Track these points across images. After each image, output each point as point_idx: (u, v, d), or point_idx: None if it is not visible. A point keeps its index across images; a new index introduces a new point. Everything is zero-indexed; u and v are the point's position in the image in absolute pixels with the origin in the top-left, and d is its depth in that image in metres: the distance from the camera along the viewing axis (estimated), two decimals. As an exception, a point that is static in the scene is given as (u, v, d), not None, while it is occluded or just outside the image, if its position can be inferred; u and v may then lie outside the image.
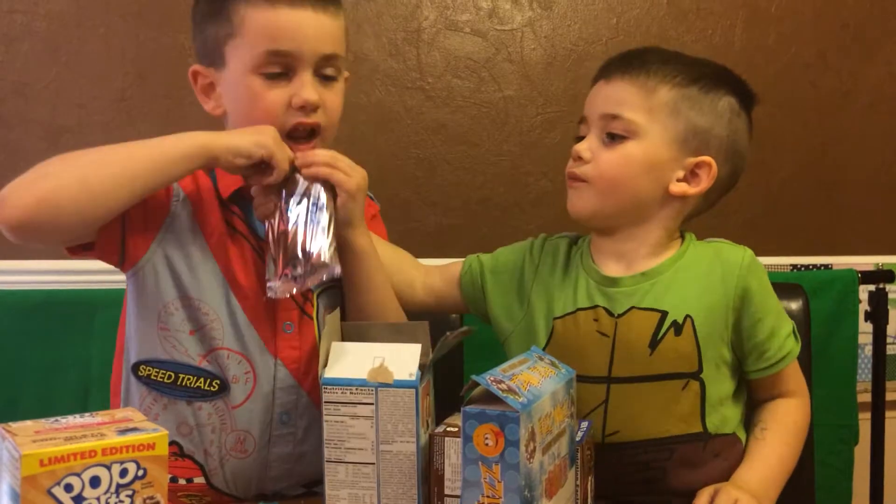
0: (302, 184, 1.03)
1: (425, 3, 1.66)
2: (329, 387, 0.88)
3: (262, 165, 1.00)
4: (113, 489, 0.70)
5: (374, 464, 0.87)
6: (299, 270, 1.00)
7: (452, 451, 0.85)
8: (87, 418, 0.74)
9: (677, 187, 1.06)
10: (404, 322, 1.00)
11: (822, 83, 1.80)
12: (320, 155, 1.04)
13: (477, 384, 0.73)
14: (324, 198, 1.03)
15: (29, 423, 0.73)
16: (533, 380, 0.75)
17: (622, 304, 1.05)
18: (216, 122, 1.11)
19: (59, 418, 0.74)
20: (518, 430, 0.68)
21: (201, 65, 1.09)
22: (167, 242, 1.04)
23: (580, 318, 1.06)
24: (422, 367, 0.88)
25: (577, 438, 0.88)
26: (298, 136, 1.06)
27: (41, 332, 1.46)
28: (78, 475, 0.68)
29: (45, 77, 1.57)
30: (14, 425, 0.72)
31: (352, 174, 1.05)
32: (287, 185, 1.03)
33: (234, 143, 0.99)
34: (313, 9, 1.03)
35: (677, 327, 1.02)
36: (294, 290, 1.01)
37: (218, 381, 1.03)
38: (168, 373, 1.03)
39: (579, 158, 1.09)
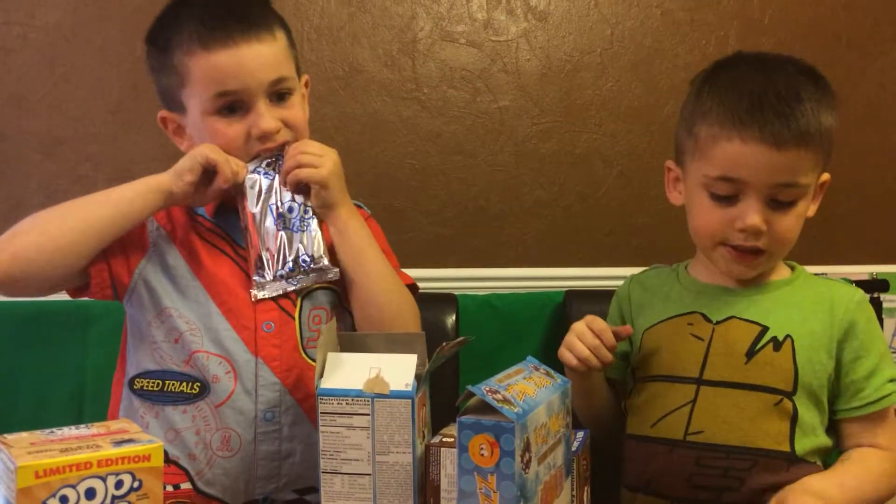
0: (265, 182, 1.09)
1: (421, 15, 1.67)
2: (325, 397, 0.88)
3: (211, 175, 1.06)
4: (108, 501, 0.70)
5: (370, 475, 0.87)
6: (287, 270, 1.07)
7: (448, 462, 0.85)
8: (82, 430, 0.74)
9: (811, 212, 1.08)
10: (401, 332, 1.00)
11: (815, 93, 1.80)
12: (287, 154, 1.09)
13: (472, 394, 0.73)
14: (300, 198, 1.09)
15: (24, 434, 0.73)
16: (528, 390, 0.76)
17: (722, 311, 1.06)
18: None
19: (54, 430, 0.74)
20: (513, 440, 0.68)
21: (167, 110, 1.15)
22: (149, 267, 1.11)
23: (674, 324, 1.08)
24: (418, 377, 0.88)
25: (574, 448, 0.88)
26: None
27: (36, 342, 1.45)
28: (73, 487, 0.68)
29: (41, 88, 1.57)
30: (9, 437, 0.72)
31: (320, 162, 1.08)
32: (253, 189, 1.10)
33: (175, 168, 1.06)
34: (247, 42, 1.07)
35: (777, 343, 1.02)
36: (284, 290, 1.08)
37: (199, 384, 1.07)
38: (157, 381, 1.08)
39: (758, 233, 1.02)
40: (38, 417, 1.40)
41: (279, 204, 1.09)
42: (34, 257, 1.01)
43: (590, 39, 1.72)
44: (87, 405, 1.41)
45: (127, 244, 1.09)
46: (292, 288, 1.08)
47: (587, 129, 1.72)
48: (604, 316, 1.14)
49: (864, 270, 1.78)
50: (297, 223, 1.09)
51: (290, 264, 1.07)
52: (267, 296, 1.08)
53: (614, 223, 1.72)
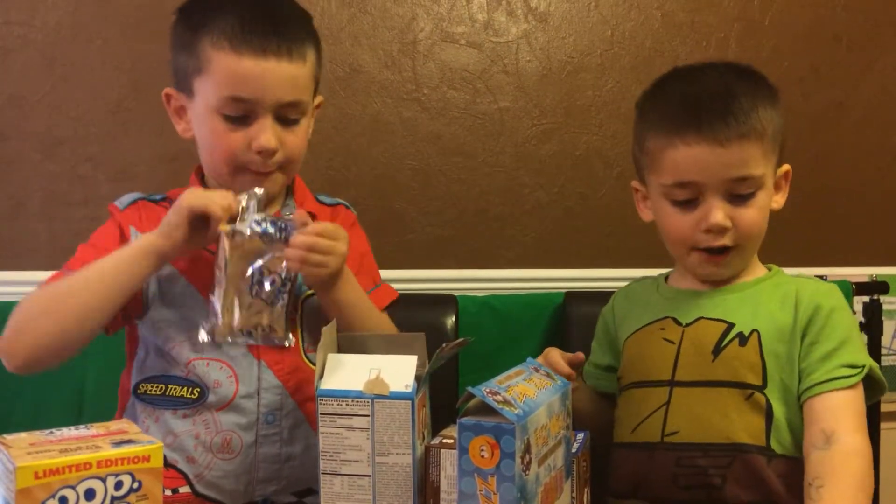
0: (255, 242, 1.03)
1: (421, 15, 1.67)
2: (325, 398, 0.88)
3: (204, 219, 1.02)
4: (108, 502, 0.70)
5: (369, 476, 0.87)
6: (244, 333, 1.04)
7: (448, 463, 0.85)
8: (81, 430, 0.74)
9: (776, 203, 1.10)
10: (400, 334, 1.00)
11: (815, 96, 1.81)
12: (294, 246, 1.02)
13: (473, 396, 0.73)
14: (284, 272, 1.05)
15: (24, 434, 0.73)
16: (528, 391, 0.75)
17: (691, 313, 1.07)
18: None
19: (53, 430, 0.74)
20: (514, 441, 0.68)
21: (174, 89, 1.13)
22: (151, 284, 1.10)
23: (648, 330, 1.10)
24: (418, 378, 0.88)
25: (574, 450, 0.88)
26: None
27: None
28: (73, 487, 0.68)
29: (41, 88, 1.56)
30: (8, 437, 0.72)
31: (328, 262, 1.03)
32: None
33: (163, 227, 1.02)
34: (277, 59, 1.05)
35: (742, 338, 1.03)
36: (231, 343, 1.05)
37: (198, 389, 1.07)
38: (160, 385, 1.08)
39: (722, 230, 1.04)
40: (36, 421, 1.40)
41: (262, 271, 1.03)
42: (50, 344, 1.02)
43: (590, 41, 1.72)
44: (86, 409, 1.40)
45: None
46: (240, 343, 1.06)
47: (587, 130, 1.72)
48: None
49: (864, 272, 1.78)
50: (272, 297, 1.04)
51: (250, 329, 1.04)
52: (209, 342, 1.05)
53: (614, 224, 1.72)
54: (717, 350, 1.03)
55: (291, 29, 1.08)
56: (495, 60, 1.69)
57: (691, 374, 1.03)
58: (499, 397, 0.70)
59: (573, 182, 1.72)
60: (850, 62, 1.81)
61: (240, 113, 1.06)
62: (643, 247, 1.71)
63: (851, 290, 1.62)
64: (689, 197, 1.05)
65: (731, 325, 1.04)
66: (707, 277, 1.10)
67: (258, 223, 1.02)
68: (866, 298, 1.60)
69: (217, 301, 1.03)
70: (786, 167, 1.11)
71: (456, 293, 1.53)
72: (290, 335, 1.07)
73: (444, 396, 1.05)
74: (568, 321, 1.48)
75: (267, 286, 1.03)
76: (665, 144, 1.05)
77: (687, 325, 1.07)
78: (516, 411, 0.70)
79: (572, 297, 1.51)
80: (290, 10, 1.12)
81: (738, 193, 1.04)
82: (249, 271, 1.03)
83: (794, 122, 1.80)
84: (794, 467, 0.99)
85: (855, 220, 1.83)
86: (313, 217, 1.18)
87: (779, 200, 1.11)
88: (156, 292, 1.10)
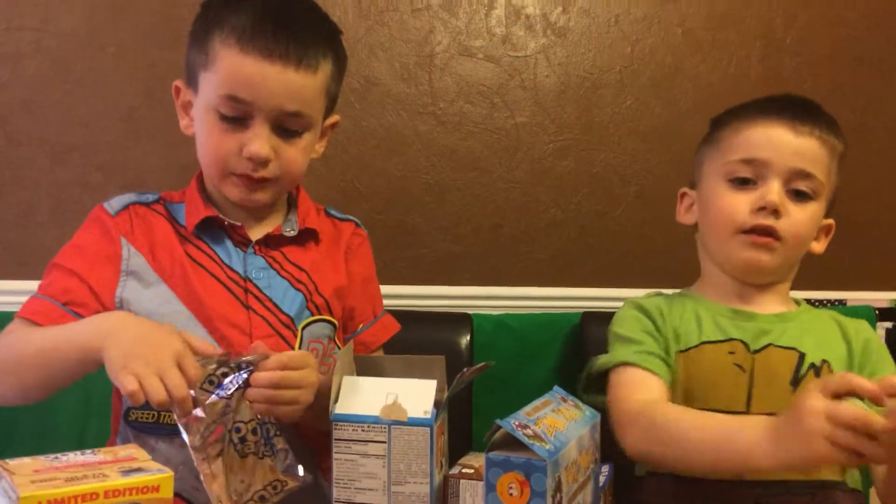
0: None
1: (438, 28, 1.64)
2: (340, 423, 0.85)
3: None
4: (115, 532, 0.66)
5: (384, 505, 0.84)
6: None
7: (468, 495, 0.81)
8: (88, 456, 0.71)
9: (816, 247, 1.12)
10: (419, 356, 0.97)
11: (837, 117, 1.77)
12: (257, 385, 0.88)
13: (500, 428, 0.70)
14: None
15: (27, 460, 0.69)
16: (558, 424, 0.72)
17: (759, 340, 1.05)
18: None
19: (58, 455, 0.70)
20: (545, 479, 0.65)
21: (185, 83, 1.10)
22: (127, 302, 1.05)
23: (714, 350, 1.05)
24: (437, 404, 0.84)
25: (601, 484, 0.85)
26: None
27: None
28: (78, 517, 0.65)
29: (54, 95, 1.54)
30: (11, 463, 0.68)
31: (300, 395, 0.90)
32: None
33: (110, 358, 0.86)
34: (283, 64, 1.00)
35: (816, 369, 1.01)
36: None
37: None
38: (152, 412, 1.02)
39: (776, 212, 1.05)
40: (41, 433, 1.37)
41: (239, 427, 0.87)
42: (16, 399, 1.01)
43: (609, 57, 1.69)
44: (92, 422, 1.37)
45: (97, 287, 1.03)
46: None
47: (605, 147, 1.69)
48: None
49: (884, 297, 1.74)
50: (263, 447, 0.89)
51: (262, 494, 0.87)
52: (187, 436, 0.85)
53: (631, 243, 1.69)
54: (796, 381, 1.00)
55: (306, 37, 1.03)
56: (513, 75, 1.67)
57: (768, 406, 0.99)
58: (529, 431, 0.67)
59: (590, 200, 1.69)
60: (873, 83, 1.78)
61: (236, 114, 1.02)
62: (661, 267, 1.69)
63: (875, 315, 1.59)
64: (751, 176, 1.06)
65: (802, 355, 1.02)
66: (746, 269, 1.08)
67: (208, 388, 0.85)
68: (889, 324, 1.57)
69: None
70: (831, 221, 1.13)
71: (469, 311, 1.50)
72: (300, 467, 0.89)
73: (456, 419, 1.01)
74: (585, 342, 1.44)
75: (253, 436, 0.88)
76: (745, 124, 1.08)
77: (756, 351, 1.04)
78: (547, 447, 0.66)
79: (590, 317, 1.48)
80: (312, 19, 1.08)
81: (797, 189, 1.05)
82: (224, 435, 0.86)
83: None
84: (862, 502, 1.00)
85: (876, 244, 1.79)
86: (314, 235, 1.14)
87: (818, 248, 1.13)
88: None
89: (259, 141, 1.01)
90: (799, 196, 1.06)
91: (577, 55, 1.68)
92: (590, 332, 1.44)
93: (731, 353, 1.04)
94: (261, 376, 0.87)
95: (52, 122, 1.55)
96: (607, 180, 1.69)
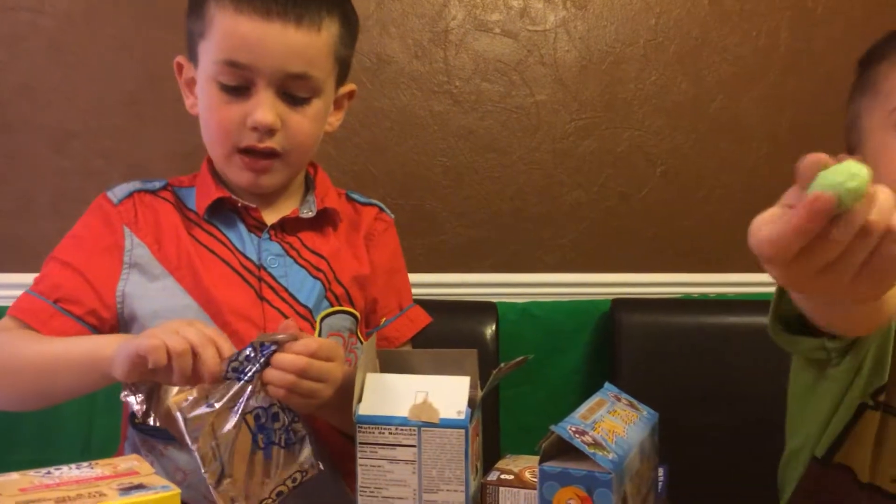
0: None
1: (453, 3, 1.57)
2: (364, 426, 0.78)
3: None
4: (117, 558, 0.59)
5: (415, 513, 0.77)
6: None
7: (508, 503, 0.74)
8: (84, 470, 0.63)
9: None
10: (449, 350, 0.90)
11: (873, 88, 1.70)
12: (279, 368, 0.80)
13: (553, 433, 0.62)
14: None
15: (15, 476, 0.61)
16: (617, 428, 0.65)
17: None
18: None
19: (51, 470, 0.62)
20: (610, 495, 0.57)
21: (186, 57, 1.03)
22: (130, 297, 0.99)
23: None
24: (471, 402, 0.77)
25: (659, 490, 0.77)
26: (256, 153, 0.98)
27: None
28: (73, 543, 0.57)
29: (52, 79, 1.48)
30: (-3, 479, 0.61)
31: (321, 390, 0.82)
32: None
33: (118, 357, 0.80)
34: (282, 23, 0.93)
35: None
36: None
37: None
38: None
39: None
40: (44, 434, 1.32)
41: (258, 413, 0.80)
42: (12, 406, 0.98)
43: (633, 29, 1.61)
44: (97, 423, 1.32)
45: (95, 280, 0.98)
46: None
47: (629, 125, 1.62)
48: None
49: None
50: (284, 436, 0.81)
51: (280, 489, 0.80)
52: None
53: (658, 226, 1.62)
54: None
55: None
56: (532, 50, 1.59)
57: None
58: (587, 437, 0.59)
59: (614, 180, 1.62)
60: (910, 53, 1.70)
61: (237, 82, 0.94)
62: (689, 250, 1.62)
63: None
64: None
65: None
66: None
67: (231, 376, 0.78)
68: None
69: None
70: None
71: (493, 299, 1.43)
72: (314, 460, 0.82)
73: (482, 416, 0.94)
74: (617, 330, 1.37)
75: (274, 423, 0.80)
76: None
77: None
78: (611, 456, 0.59)
79: (620, 303, 1.41)
80: None
81: None
82: (247, 425, 0.78)
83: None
84: None
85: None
86: (333, 219, 1.07)
87: None
88: (135, 310, 0.98)
89: (263, 108, 0.94)
90: None
91: (598, 28, 1.61)
92: (621, 319, 1.37)
93: None
94: (286, 359, 0.79)
95: (51, 107, 1.48)
96: (632, 160, 1.62)
